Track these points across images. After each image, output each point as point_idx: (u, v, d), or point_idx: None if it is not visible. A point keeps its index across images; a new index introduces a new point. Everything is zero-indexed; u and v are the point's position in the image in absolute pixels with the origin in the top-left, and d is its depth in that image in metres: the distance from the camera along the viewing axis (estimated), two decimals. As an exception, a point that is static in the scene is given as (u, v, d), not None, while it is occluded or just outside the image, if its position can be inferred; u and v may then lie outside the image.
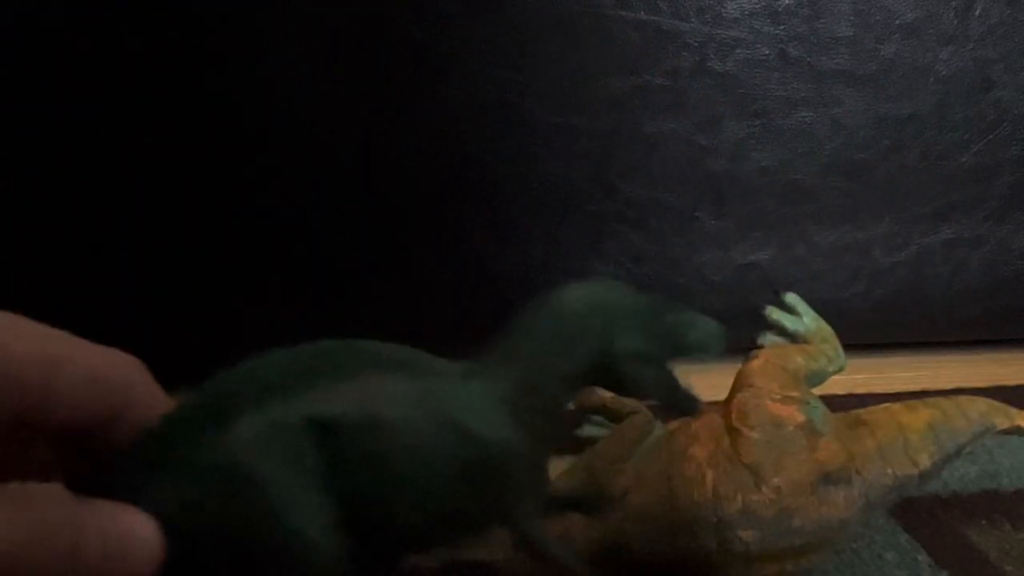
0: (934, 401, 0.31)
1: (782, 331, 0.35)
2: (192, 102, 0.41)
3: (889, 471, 0.28)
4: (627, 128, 0.44)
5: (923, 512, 0.34)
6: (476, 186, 0.44)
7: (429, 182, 0.44)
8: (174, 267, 0.44)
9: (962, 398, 0.31)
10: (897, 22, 0.44)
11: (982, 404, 0.31)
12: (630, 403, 0.35)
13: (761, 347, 0.34)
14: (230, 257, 0.44)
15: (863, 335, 0.52)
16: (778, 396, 0.29)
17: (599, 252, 0.47)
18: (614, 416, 0.36)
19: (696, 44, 0.43)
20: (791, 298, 0.36)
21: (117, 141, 0.41)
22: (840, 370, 0.34)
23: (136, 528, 0.16)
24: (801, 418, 0.28)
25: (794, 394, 0.29)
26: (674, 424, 0.31)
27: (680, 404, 0.23)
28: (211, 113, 0.41)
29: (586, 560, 0.28)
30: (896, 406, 0.30)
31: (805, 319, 0.35)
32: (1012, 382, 0.49)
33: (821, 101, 0.45)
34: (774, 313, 0.35)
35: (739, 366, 0.32)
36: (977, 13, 0.44)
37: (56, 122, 0.41)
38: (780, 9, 0.43)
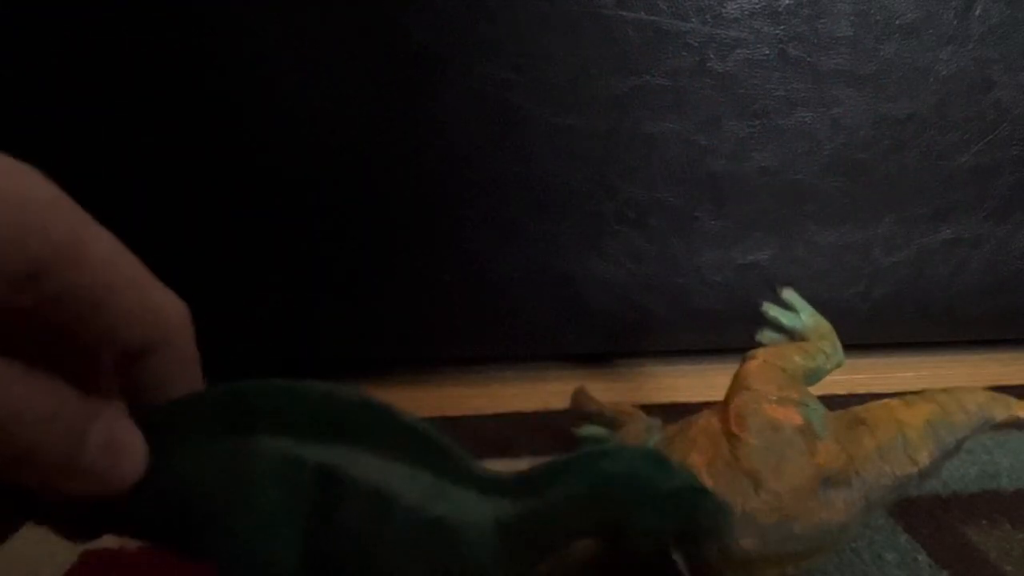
0: (932, 395, 0.30)
1: (780, 328, 0.35)
2: (192, 102, 0.41)
3: (888, 470, 0.28)
4: (627, 128, 0.44)
5: (923, 512, 0.34)
6: (476, 186, 0.44)
7: (429, 182, 0.44)
8: (173, 267, 0.44)
9: (960, 389, 0.31)
10: (897, 22, 0.44)
11: (981, 396, 0.31)
12: (628, 409, 0.35)
13: (760, 345, 0.34)
14: (229, 257, 0.44)
15: (863, 335, 0.52)
16: (775, 398, 0.29)
17: (599, 252, 0.47)
18: (611, 423, 0.36)
19: (696, 44, 0.43)
20: (788, 294, 0.36)
21: (117, 141, 0.41)
22: (838, 366, 0.34)
23: (132, 438, 0.18)
24: (799, 420, 0.28)
25: (792, 395, 0.29)
26: (673, 429, 0.31)
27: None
28: (211, 113, 0.41)
29: (583, 564, 0.28)
30: (894, 402, 0.30)
31: (802, 315, 0.35)
32: (1012, 382, 0.49)
33: (821, 101, 0.45)
34: (772, 310, 0.35)
35: (737, 366, 0.32)
36: (977, 13, 0.44)
37: (55, 121, 0.41)
38: (780, 9, 0.43)
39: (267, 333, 0.46)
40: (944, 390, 0.31)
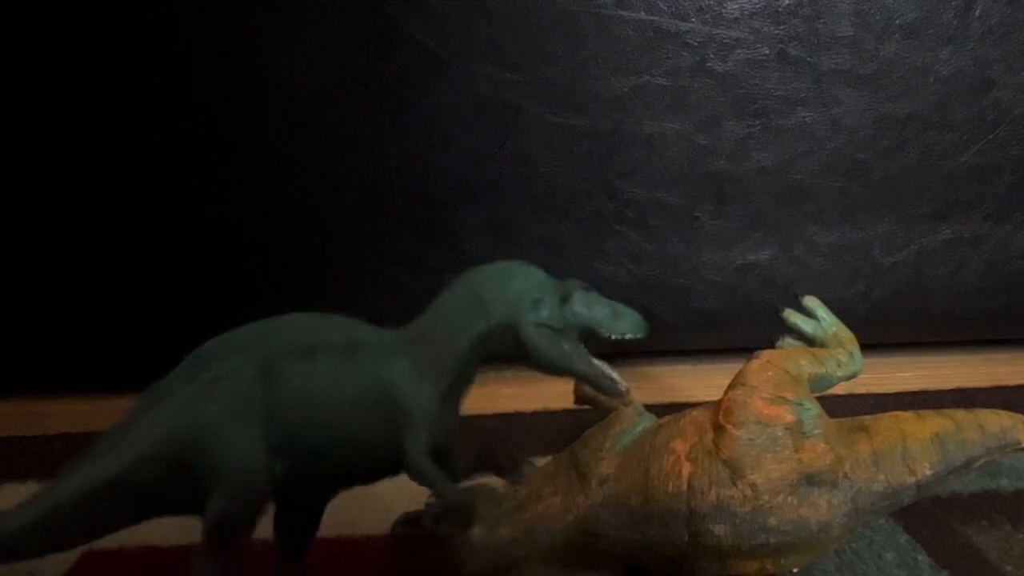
0: (950, 412, 0.30)
1: (800, 334, 0.34)
2: (192, 102, 0.41)
3: (882, 477, 0.27)
4: (627, 128, 0.44)
5: (923, 512, 0.34)
6: (476, 186, 0.44)
7: (429, 182, 0.44)
8: (173, 265, 0.44)
9: (984, 411, 0.30)
10: (897, 22, 0.44)
11: (1006, 419, 0.30)
12: (626, 398, 0.35)
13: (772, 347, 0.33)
14: (230, 257, 0.44)
15: (863, 335, 0.51)
16: (768, 396, 0.28)
17: (599, 252, 0.47)
18: (608, 411, 0.36)
19: (696, 44, 0.43)
20: (810, 301, 0.35)
21: (122, 142, 0.41)
22: (853, 376, 0.33)
23: None
24: (789, 419, 0.28)
25: (787, 395, 0.29)
26: (664, 419, 0.31)
27: (596, 381, 0.26)
28: (212, 114, 0.41)
29: (561, 543, 0.28)
30: (906, 414, 0.30)
31: (823, 322, 0.35)
32: (1012, 382, 0.49)
33: (821, 101, 0.45)
34: (792, 316, 0.35)
35: (737, 366, 0.31)
36: (977, 13, 0.44)
37: (53, 120, 0.41)
38: (780, 9, 0.43)
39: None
40: (968, 409, 0.30)
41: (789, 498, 0.26)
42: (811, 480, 0.27)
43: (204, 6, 0.39)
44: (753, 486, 0.26)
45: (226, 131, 0.42)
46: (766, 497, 0.26)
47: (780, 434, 0.27)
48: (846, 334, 0.34)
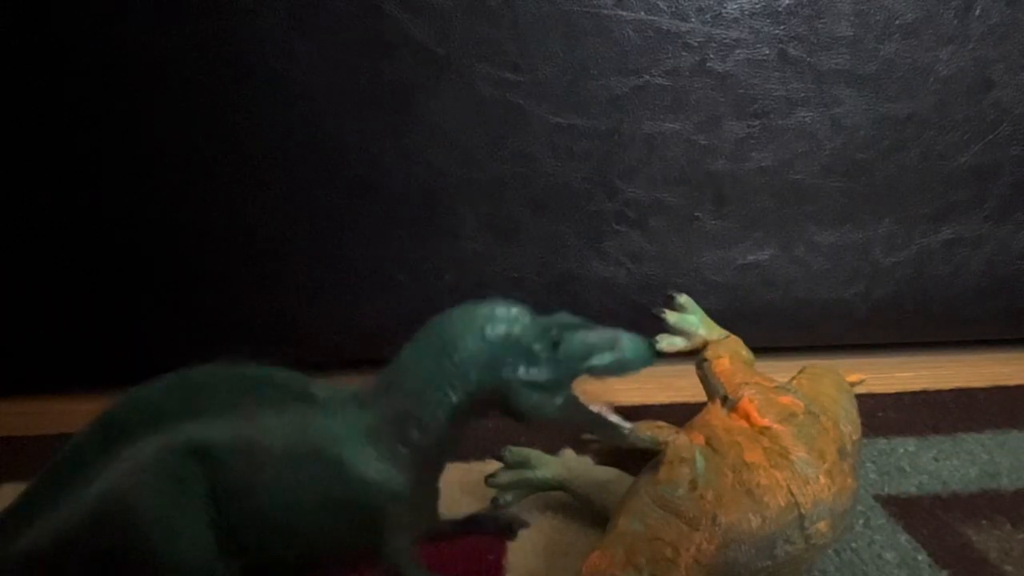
0: (797, 382, 0.32)
1: (682, 332, 0.36)
2: (194, 103, 0.41)
3: (856, 435, 0.30)
4: (627, 128, 0.44)
5: (923, 512, 0.34)
6: (476, 186, 0.44)
7: (429, 182, 0.44)
8: (173, 265, 0.44)
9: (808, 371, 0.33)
10: (897, 22, 0.44)
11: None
12: (660, 431, 0.33)
13: (707, 345, 0.35)
14: (230, 257, 0.44)
15: (863, 335, 0.52)
16: (773, 388, 0.30)
17: (599, 252, 0.47)
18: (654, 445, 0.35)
19: (696, 44, 0.43)
20: (682, 299, 0.37)
21: (124, 144, 0.41)
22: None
23: None
24: (801, 404, 0.29)
25: (771, 383, 0.30)
26: (702, 432, 0.30)
27: (594, 429, 0.23)
28: (213, 114, 0.41)
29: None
30: (803, 379, 0.32)
31: (696, 315, 0.37)
32: (1012, 382, 0.49)
33: (821, 101, 0.45)
34: (671, 316, 0.36)
35: (688, 367, 0.32)
36: (977, 13, 0.44)
37: (55, 121, 0.41)
38: (780, 9, 0.43)
39: (264, 335, 0.46)
40: (803, 374, 0.33)
41: (838, 476, 0.27)
42: (841, 453, 0.28)
43: (206, 7, 0.39)
44: (829, 474, 0.27)
45: (226, 131, 0.42)
46: (838, 480, 0.27)
47: (807, 421, 0.28)
48: (708, 321, 0.37)
